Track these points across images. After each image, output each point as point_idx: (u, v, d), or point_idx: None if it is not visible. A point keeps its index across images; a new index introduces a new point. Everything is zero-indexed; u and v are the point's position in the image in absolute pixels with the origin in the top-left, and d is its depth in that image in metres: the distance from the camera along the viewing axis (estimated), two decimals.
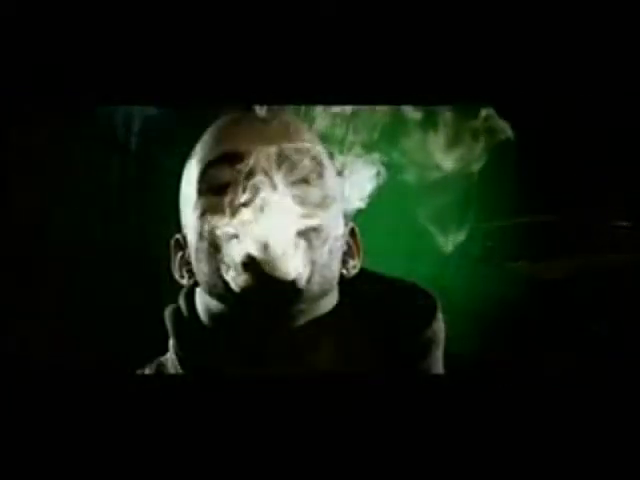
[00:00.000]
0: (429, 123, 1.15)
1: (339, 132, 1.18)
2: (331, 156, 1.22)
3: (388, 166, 1.16)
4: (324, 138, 1.19)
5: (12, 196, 1.56)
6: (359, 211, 1.20)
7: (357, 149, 1.17)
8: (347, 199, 1.18)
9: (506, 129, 1.13)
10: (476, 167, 1.14)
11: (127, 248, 1.79)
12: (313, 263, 1.17)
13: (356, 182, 1.18)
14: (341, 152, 1.18)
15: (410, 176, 1.15)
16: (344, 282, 1.26)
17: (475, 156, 1.13)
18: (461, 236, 1.15)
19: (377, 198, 1.17)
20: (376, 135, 1.16)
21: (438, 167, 1.14)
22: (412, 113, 1.15)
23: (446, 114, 1.15)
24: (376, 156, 1.16)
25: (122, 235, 1.79)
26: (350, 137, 1.17)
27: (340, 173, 1.19)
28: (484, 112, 1.14)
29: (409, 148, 1.15)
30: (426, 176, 1.14)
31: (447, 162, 1.14)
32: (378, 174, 1.16)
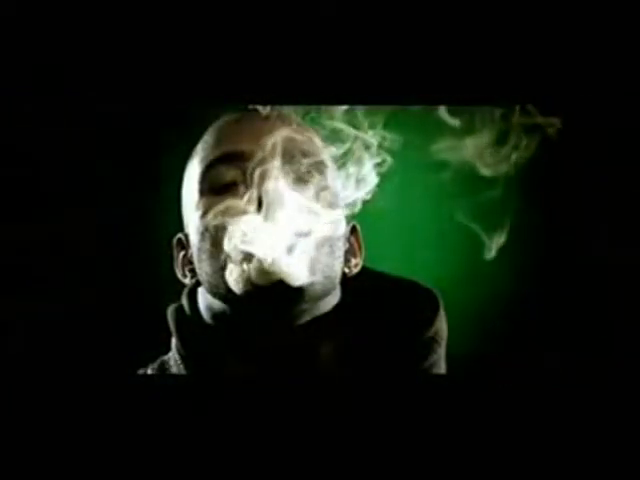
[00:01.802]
0: (469, 122, 1.14)
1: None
2: (334, 158, 1.22)
3: (425, 165, 1.15)
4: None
5: (10, 196, 1.57)
6: (390, 210, 1.19)
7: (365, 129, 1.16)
8: (350, 192, 1.18)
9: (549, 126, 1.12)
10: (517, 166, 1.13)
11: (129, 247, 1.79)
12: (316, 263, 1.17)
13: (360, 174, 1.17)
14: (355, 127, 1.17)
15: (448, 175, 1.14)
16: (346, 280, 1.26)
17: (516, 154, 1.13)
18: (503, 238, 1.14)
19: (406, 197, 1.17)
20: (380, 122, 1.15)
21: (478, 166, 1.13)
22: (447, 113, 1.14)
23: (487, 113, 1.14)
24: (385, 141, 1.15)
25: (123, 233, 1.79)
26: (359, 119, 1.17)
27: (344, 165, 1.18)
28: (525, 110, 1.13)
29: (446, 147, 1.14)
30: (465, 175, 1.14)
31: (487, 161, 1.13)
32: (383, 162, 1.15)
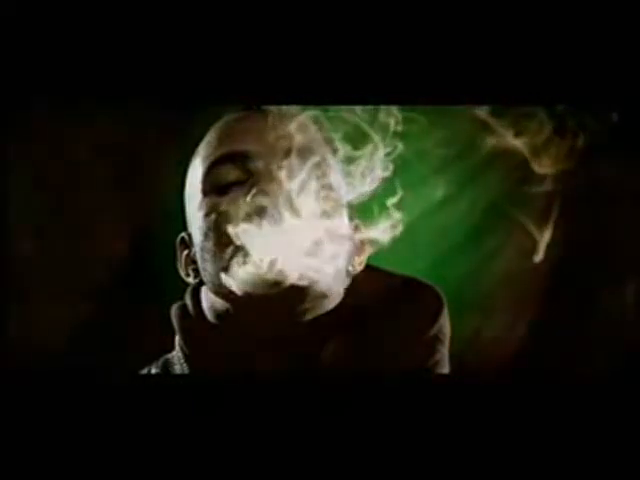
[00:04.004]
0: (522, 121, 1.13)
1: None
2: (335, 153, 1.21)
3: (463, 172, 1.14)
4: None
5: (13, 196, 1.56)
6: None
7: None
8: (356, 188, 1.17)
9: (604, 123, 1.12)
10: (571, 163, 1.13)
11: (130, 246, 1.79)
12: (320, 263, 1.17)
13: (368, 169, 1.16)
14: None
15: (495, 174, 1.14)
16: (350, 278, 1.26)
17: (570, 152, 1.12)
18: (547, 237, 1.13)
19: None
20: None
21: (532, 164, 1.12)
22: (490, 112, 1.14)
23: (541, 111, 1.13)
24: (398, 125, 1.14)
25: (126, 232, 1.79)
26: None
27: (350, 162, 1.18)
28: (579, 108, 1.13)
29: (491, 148, 1.13)
30: (514, 176, 1.13)
31: (542, 161, 1.12)
32: (394, 149, 1.15)
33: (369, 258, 1.28)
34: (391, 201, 1.13)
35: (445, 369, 1.25)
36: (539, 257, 1.13)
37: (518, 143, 1.12)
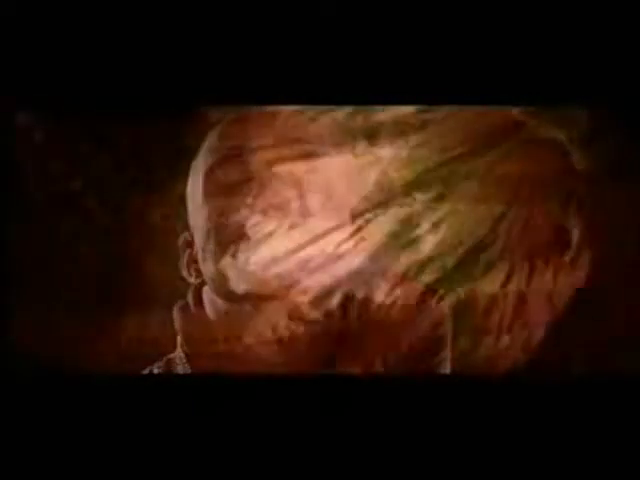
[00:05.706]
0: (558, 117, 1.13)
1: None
2: (339, 152, 1.21)
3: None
4: None
5: (14, 197, 1.56)
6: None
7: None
8: (358, 185, 1.17)
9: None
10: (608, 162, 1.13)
11: (132, 245, 1.79)
12: (320, 265, 1.17)
13: (373, 164, 1.16)
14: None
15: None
16: (351, 279, 1.26)
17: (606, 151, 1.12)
18: (576, 236, 1.14)
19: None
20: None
21: (574, 159, 1.12)
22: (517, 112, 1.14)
23: (578, 114, 1.13)
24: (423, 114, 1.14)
25: (127, 232, 1.79)
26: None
27: (355, 158, 1.18)
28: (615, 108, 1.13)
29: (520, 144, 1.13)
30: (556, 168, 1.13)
31: (580, 155, 1.12)
32: (405, 143, 1.15)
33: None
34: (424, 197, 1.13)
35: (446, 369, 1.25)
36: (571, 254, 1.14)
37: (557, 134, 1.12)
